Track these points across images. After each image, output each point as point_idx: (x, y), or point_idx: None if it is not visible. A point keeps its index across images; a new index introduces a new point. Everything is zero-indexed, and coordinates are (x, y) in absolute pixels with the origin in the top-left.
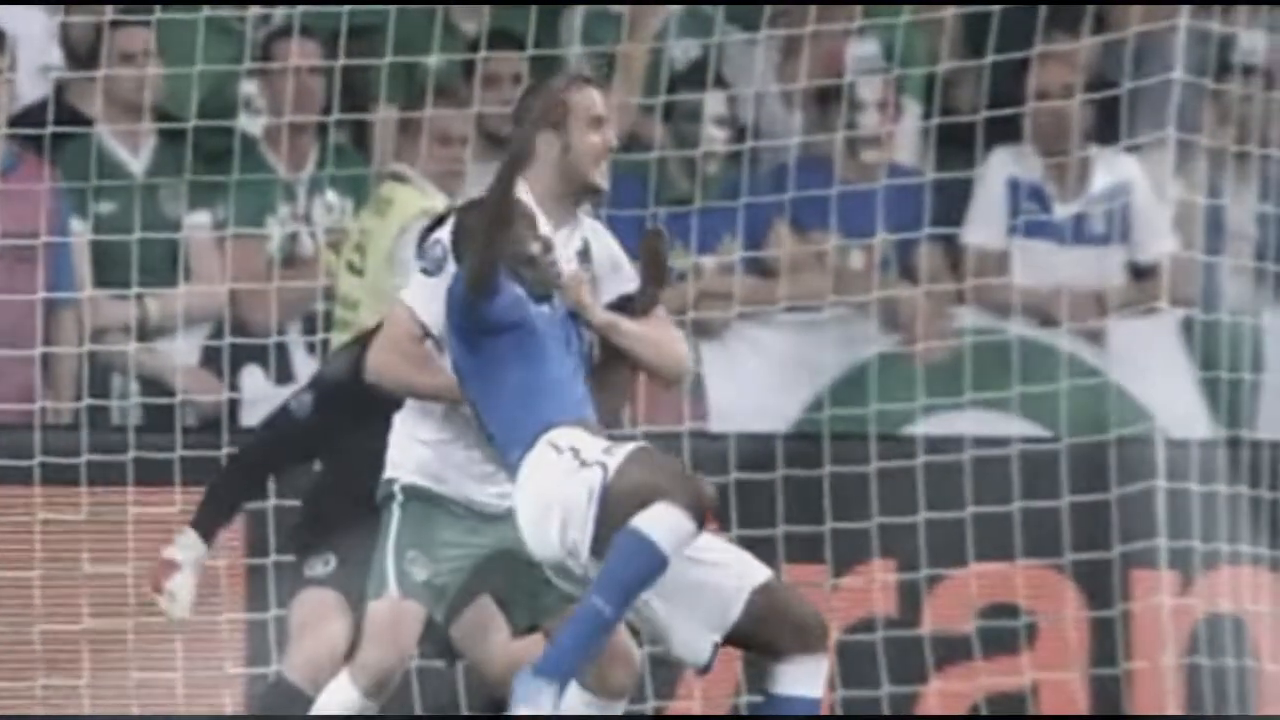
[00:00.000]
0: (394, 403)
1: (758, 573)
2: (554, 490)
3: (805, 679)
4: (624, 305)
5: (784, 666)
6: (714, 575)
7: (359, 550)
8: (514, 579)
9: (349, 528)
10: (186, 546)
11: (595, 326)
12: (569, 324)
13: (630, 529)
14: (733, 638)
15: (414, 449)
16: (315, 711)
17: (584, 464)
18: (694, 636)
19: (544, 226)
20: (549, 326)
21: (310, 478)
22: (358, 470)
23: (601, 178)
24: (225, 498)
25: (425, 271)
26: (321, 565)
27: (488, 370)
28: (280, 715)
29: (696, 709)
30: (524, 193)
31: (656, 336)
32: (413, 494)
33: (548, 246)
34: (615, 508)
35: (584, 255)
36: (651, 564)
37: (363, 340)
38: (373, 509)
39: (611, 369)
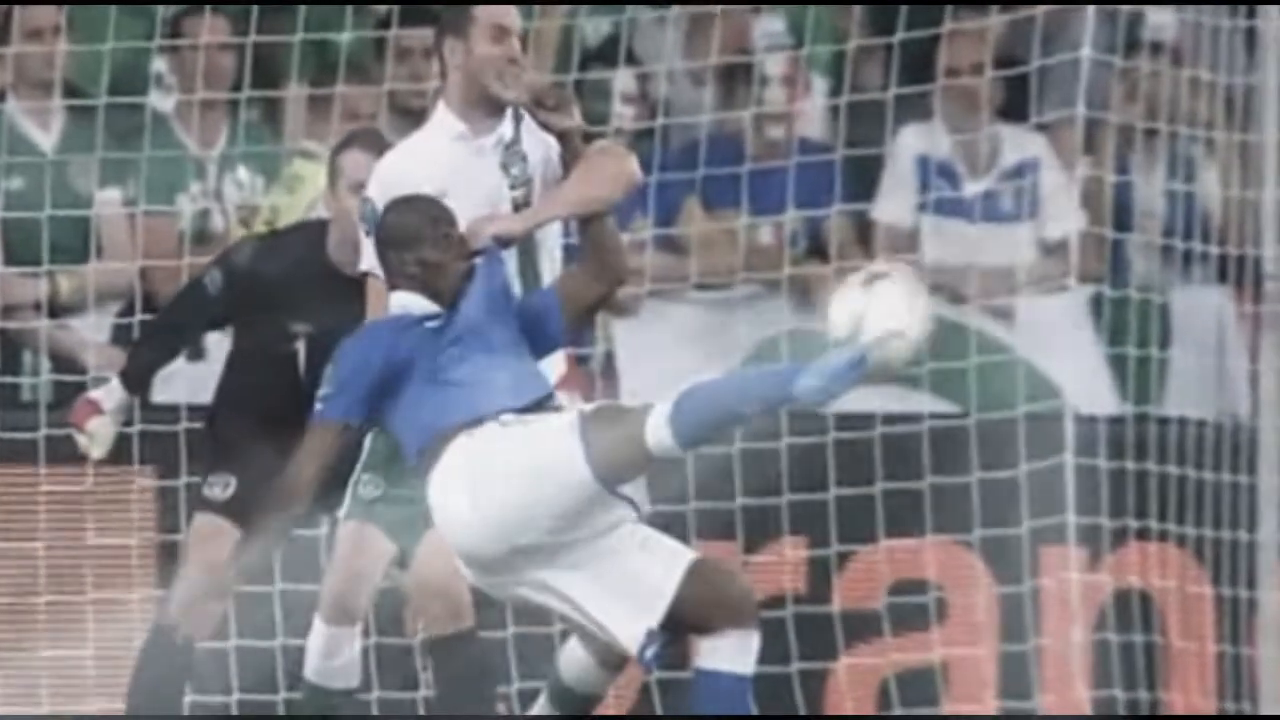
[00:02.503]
0: (298, 305)
1: (684, 555)
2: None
3: (733, 653)
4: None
5: (712, 641)
6: (640, 563)
7: (259, 474)
8: None
9: (250, 447)
10: (110, 392)
11: (522, 234)
12: (470, 322)
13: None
14: (667, 622)
15: None
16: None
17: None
18: (628, 627)
19: (461, 138)
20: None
21: (217, 390)
22: (260, 378)
23: (506, 89)
24: (147, 355)
25: (368, 234)
26: (220, 489)
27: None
28: (163, 663)
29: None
30: (440, 107)
31: (574, 184)
32: None
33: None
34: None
35: (511, 151)
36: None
37: (271, 234)
38: (277, 428)
39: (588, 236)
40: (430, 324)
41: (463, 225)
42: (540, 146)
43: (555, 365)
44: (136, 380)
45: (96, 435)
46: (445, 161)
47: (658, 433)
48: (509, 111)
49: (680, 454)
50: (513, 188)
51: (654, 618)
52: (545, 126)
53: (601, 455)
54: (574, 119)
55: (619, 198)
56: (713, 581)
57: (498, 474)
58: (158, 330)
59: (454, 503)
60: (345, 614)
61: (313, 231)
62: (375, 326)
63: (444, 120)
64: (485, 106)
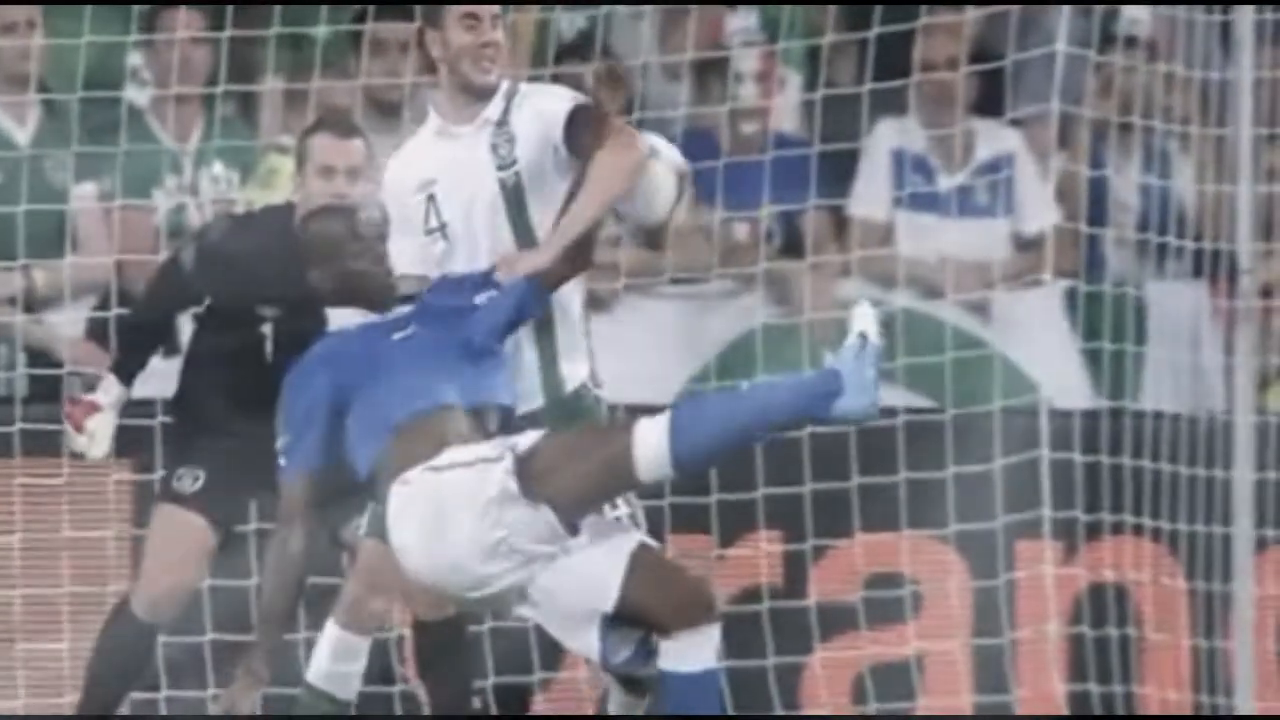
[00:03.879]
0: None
1: (624, 542)
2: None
3: (690, 653)
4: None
5: (668, 644)
6: (580, 560)
7: (229, 467)
8: None
9: (220, 438)
10: (108, 389)
11: (550, 265)
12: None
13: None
14: (621, 612)
15: None
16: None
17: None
18: (580, 629)
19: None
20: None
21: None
22: (227, 366)
23: (479, 73)
24: (134, 342)
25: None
26: (189, 481)
27: None
28: (126, 650)
29: (583, 680)
30: (432, 103)
31: (589, 195)
32: None
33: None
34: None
35: (499, 131)
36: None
37: (245, 214)
38: (246, 418)
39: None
40: (372, 336)
41: (450, 216)
42: (534, 123)
43: (533, 396)
44: (130, 371)
45: (96, 433)
46: (432, 158)
47: (652, 456)
48: (500, 92)
49: (672, 477)
50: (500, 168)
51: (606, 606)
52: (597, 104)
53: (563, 493)
54: (618, 102)
55: (631, 187)
56: (659, 577)
57: (447, 524)
58: (140, 317)
59: (409, 548)
60: (359, 621)
61: (283, 214)
62: (315, 359)
63: (432, 116)
64: (469, 93)
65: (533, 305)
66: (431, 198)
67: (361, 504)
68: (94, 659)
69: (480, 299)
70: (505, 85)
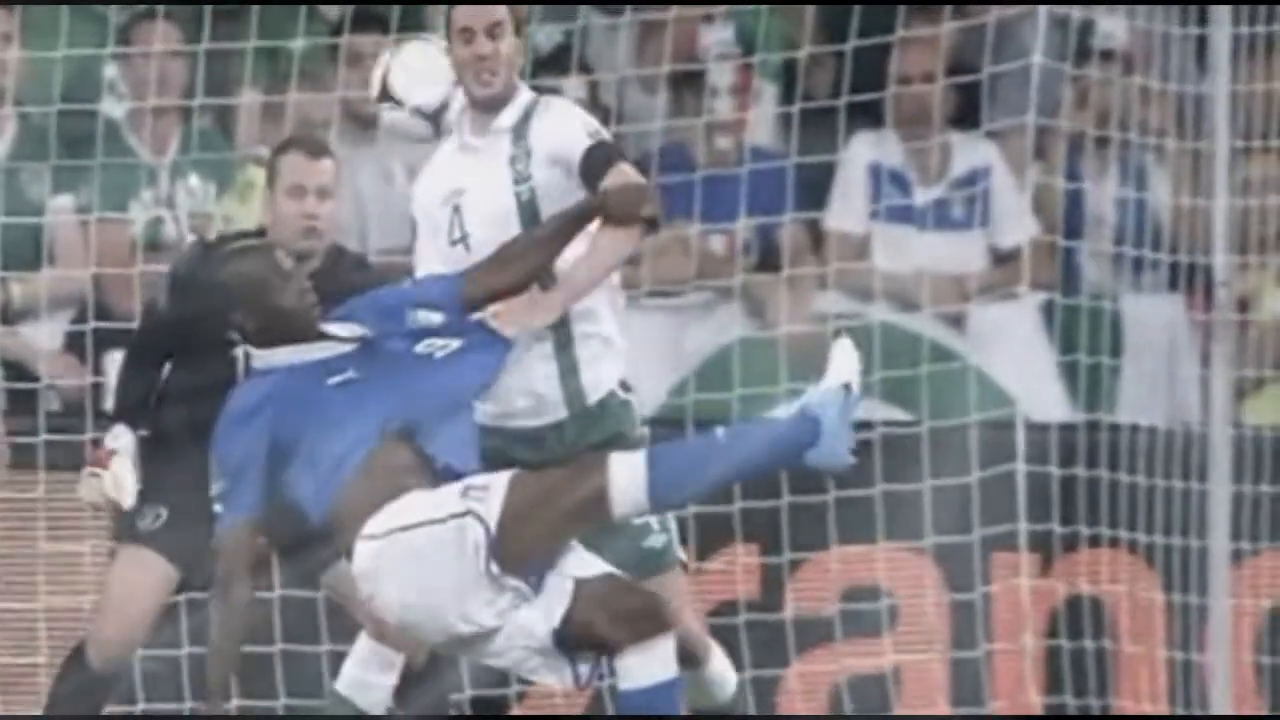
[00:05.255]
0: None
1: (579, 568)
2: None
3: (644, 668)
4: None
5: (622, 661)
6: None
7: (192, 504)
8: None
9: (184, 474)
10: (118, 435)
11: (556, 318)
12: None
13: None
14: (570, 635)
15: None
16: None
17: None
18: (549, 659)
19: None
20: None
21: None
22: (196, 406)
23: (480, 86)
24: (130, 387)
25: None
26: (150, 520)
27: None
28: (79, 701)
29: (558, 691)
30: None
31: (596, 255)
32: None
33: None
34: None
35: (517, 144)
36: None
37: (215, 240)
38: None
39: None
40: (306, 380)
41: (471, 228)
42: (551, 142)
43: (554, 409)
44: (132, 415)
45: (122, 481)
46: (457, 169)
47: (629, 495)
48: (516, 102)
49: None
50: (516, 182)
51: (553, 620)
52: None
53: (539, 554)
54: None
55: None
56: (605, 593)
57: (430, 583)
58: (130, 363)
59: (386, 601)
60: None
61: (254, 238)
62: (248, 404)
63: (455, 128)
64: (476, 107)
65: (504, 356)
66: (457, 209)
67: (159, 492)
68: (49, 707)
69: (425, 348)
70: (524, 96)
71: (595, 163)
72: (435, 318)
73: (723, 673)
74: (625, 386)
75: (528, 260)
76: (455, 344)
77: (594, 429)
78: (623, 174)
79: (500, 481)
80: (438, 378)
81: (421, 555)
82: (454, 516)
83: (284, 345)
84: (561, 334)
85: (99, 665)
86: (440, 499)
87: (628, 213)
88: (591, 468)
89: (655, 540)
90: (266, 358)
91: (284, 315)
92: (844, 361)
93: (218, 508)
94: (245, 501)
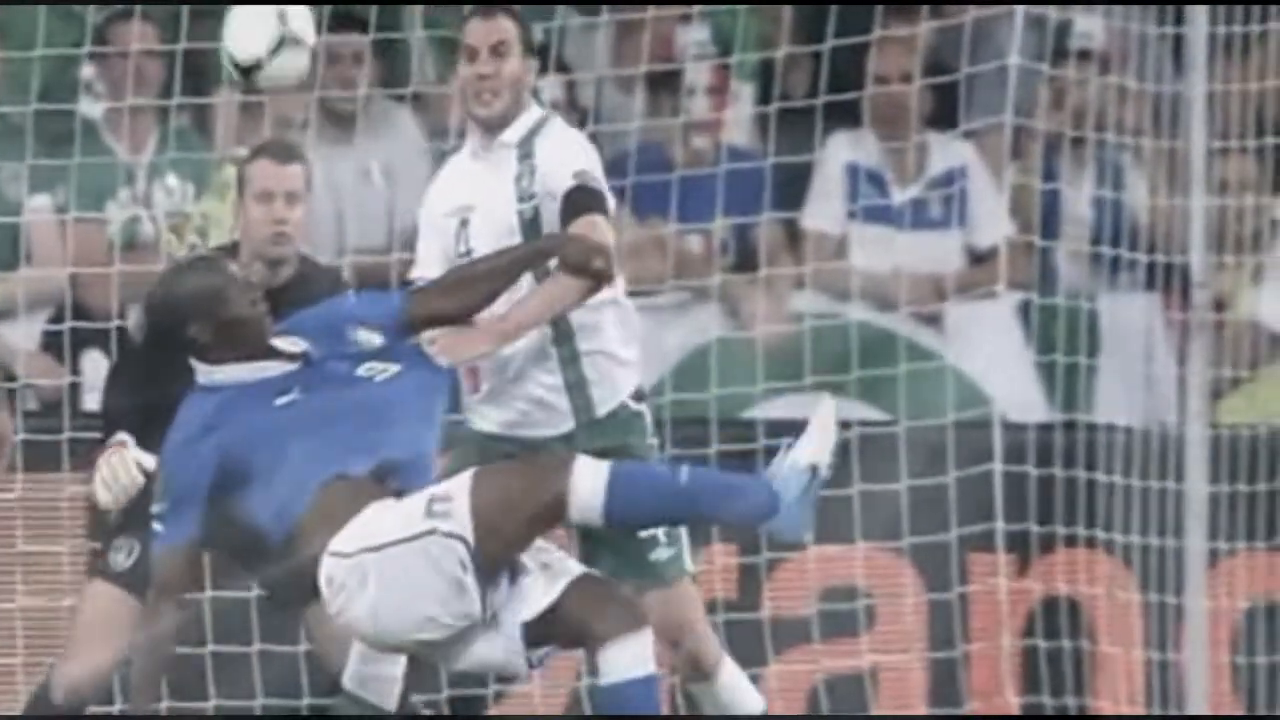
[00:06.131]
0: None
1: (568, 574)
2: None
3: (623, 662)
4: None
5: (609, 652)
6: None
7: None
8: None
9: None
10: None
11: (496, 351)
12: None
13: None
14: (549, 629)
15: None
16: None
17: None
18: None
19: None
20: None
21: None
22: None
23: (479, 106)
24: (116, 413)
25: None
26: (124, 555)
27: None
28: None
29: (536, 693)
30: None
31: (549, 301)
32: None
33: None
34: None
35: (523, 162)
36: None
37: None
38: None
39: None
40: (253, 402)
41: (477, 243)
42: (550, 166)
43: (561, 422)
44: (121, 423)
45: (117, 470)
46: (466, 182)
47: (586, 503)
48: (522, 119)
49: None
50: (520, 200)
51: (529, 611)
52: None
53: (510, 556)
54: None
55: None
56: (598, 591)
57: (412, 601)
58: (111, 392)
59: (357, 619)
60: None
61: (227, 254)
62: (196, 427)
63: (467, 140)
64: (480, 126)
65: (444, 385)
66: (464, 223)
67: (131, 528)
68: None
69: (366, 371)
70: (531, 113)
71: (571, 205)
72: (376, 339)
73: (736, 683)
74: (639, 397)
75: (476, 290)
76: (394, 369)
77: (602, 438)
78: (589, 225)
79: (462, 489)
80: (383, 405)
81: (393, 574)
82: (424, 535)
83: (235, 361)
84: (565, 350)
85: (61, 701)
86: (407, 516)
87: (580, 265)
88: (556, 468)
89: (661, 553)
90: (213, 374)
91: (238, 326)
92: (818, 436)
93: (157, 526)
94: (185, 526)
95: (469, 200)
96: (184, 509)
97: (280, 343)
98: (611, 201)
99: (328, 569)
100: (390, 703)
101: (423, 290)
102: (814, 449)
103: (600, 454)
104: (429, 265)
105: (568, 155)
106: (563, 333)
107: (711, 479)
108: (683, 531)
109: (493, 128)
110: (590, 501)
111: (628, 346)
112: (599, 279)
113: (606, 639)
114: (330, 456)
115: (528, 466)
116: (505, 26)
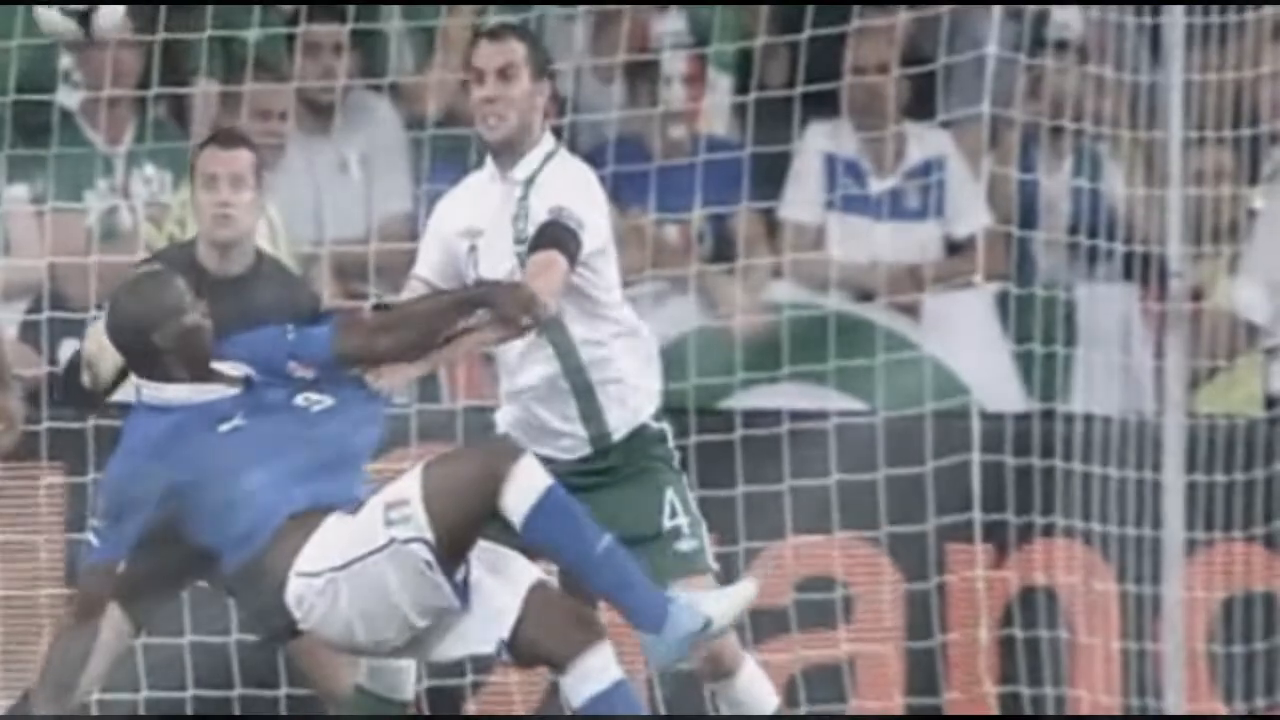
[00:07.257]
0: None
1: (523, 575)
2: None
3: (591, 676)
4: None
5: (574, 674)
6: (488, 585)
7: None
8: None
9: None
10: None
11: (424, 374)
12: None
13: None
14: (515, 643)
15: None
16: None
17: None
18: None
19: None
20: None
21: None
22: None
23: (486, 129)
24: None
25: None
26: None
27: None
28: None
29: (513, 684)
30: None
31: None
32: None
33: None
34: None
35: (522, 202)
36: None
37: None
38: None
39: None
40: (196, 427)
41: (485, 271)
42: (547, 192)
43: (578, 447)
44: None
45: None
46: (476, 206)
47: (514, 505)
48: (537, 151)
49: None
50: (516, 242)
51: (503, 630)
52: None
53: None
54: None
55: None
56: (547, 612)
57: (390, 611)
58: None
59: (333, 635)
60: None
61: (188, 250)
62: (141, 450)
63: (488, 161)
64: (492, 148)
65: (382, 412)
66: (473, 249)
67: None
68: None
69: (303, 401)
70: (543, 147)
71: (537, 239)
72: (309, 372)
73: (755, 682)
74: (658, 416)
75: (406, 332)
76: (329, 401)
77: (621, 462)
78: (546, 263)
79: (414, 489)
80: (323, 441)
81: (364, 589)
82: (386, 546)
83: (180, 380)
84: (578, 381)
85: (42, 712)
86: (367, 528)
87: (510, 320)
88: (503, 454)
89: (686, 544)
90: (161, 391)
91: (196, 333)
92: (730, 602)
93: (92, 539)
94: (119, 546)
95: (478, 225)
96: (120, 530)
97: (222, 366)
98: (588, 240)
99: (296, 590)
100: (406, 692)
101: (353, 325)
102: (720, 608)
103: (622, 472)
104: (427, 268)
105: (552, 192)
106: (572, 367)
107: (622, 566)
108: (703, 528)
109: (501, 152)
110: (519, 499)
111: (644, 376)
112: (525, 332)
113: (566, 662)
114: (284, 488)
115: (476, 450)
116: (513, 48)
